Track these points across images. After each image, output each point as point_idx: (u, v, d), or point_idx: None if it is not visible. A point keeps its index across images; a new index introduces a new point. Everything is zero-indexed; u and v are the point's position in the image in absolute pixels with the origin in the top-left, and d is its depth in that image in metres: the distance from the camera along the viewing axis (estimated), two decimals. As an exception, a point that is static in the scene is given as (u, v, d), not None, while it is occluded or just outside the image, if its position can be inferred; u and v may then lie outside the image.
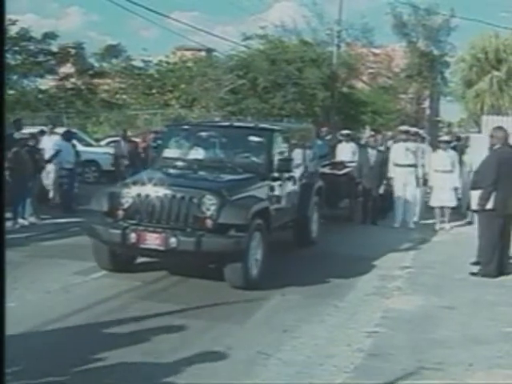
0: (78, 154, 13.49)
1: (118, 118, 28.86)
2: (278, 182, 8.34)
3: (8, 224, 9.56)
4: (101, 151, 18.37)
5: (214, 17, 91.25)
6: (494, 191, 7.87)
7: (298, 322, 6.10)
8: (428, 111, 42.47)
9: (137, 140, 17.52)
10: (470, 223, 11.69)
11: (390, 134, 20.24)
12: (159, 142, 10.65)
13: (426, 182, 12.24)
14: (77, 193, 13.01)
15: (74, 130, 17.67)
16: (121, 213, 7.10)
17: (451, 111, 72.16)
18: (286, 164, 8.33)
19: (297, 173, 9.16)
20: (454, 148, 13.09)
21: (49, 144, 12.51)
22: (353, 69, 31.45)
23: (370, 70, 36.76)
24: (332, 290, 7.34)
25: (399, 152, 12.24)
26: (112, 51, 33.57)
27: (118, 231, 6.93)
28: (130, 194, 7.13)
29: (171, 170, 8.29)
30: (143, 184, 7.16)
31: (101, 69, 33.00)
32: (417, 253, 9.81)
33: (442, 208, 11.93)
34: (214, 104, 27.32)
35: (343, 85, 30.53)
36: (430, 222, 12.20)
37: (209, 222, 6.83)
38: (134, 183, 7.29)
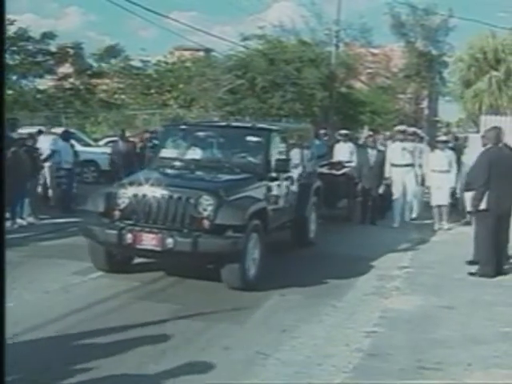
0: (76, 153, 13.47)
1: (117, 118, 28.86)
2: (276, 183, 8.32)
3: (6, 224, 9.52)
4: (99, 151, 18.36)
5: (212, 17, 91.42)
6: (487, 191, 7.87)
7: (297, 322, 6.09)
8: (426, 111, 42.54)
9: (134, 140, 17.49)
10: (468, 223, 11.68)
11: (388, 133, 20.25)
12: (155, 141, 10.63)
13: (423, 182, 12.25)
14: (75, 193, 13.00)
15: (73, 130, 17.69)
16: (117, 213, 7.07)
17: (450, 111, 72.14)
18: (284, 164, 8.31)
19: (295, 173, 9.14)
20: (452, 148, 13.09)
21: (45, 144, 12.50)
22: (351, 69, 31.47)
23: (369, 70, 36.80)
24: (330, 290, 7.33)
25: (396, 152, 12.26)
26: (111, 51, 33.53)
27: (114, 232, 6.89)
28: (126, 194, 7.10)
29: (168, 170, 8.26)
30: (140, 184, 7.12)
31: (99, 69, 32.96)
32: (415, 253, 9.81)
33: (439, 208, 11.94)
34: (213, 104, 27.31)
35: (342, 85, 30.54)
36: (429, 222, 12.21)
37: (206, 223, 6.79)
38: (131, 183, 7.24)
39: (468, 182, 8.34)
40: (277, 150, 8.53)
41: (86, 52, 32.01)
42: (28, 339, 5.24)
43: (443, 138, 13.37)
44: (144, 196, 7.02)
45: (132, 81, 32.83)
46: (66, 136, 13.29)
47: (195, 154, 8.66)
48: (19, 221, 10.58)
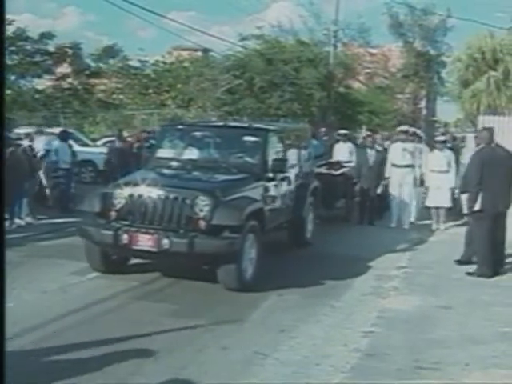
0: (74, 153, 13.45)
1: (115, 117, 28.80)
2: (273, 183, 8.29)
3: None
4: (97, 151, 18.32)
5: (210, 17, 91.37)
6: (481, 192, 7.85)
7: (295, 322, 6.09)
8: (424, 111, 42.59)
9: (131, 140, 17.46)
10: (467, 223, 11.67)
11: (386, 133, 20.24)
12: (152, 141, 10.60)
13: (422, 183, 12.24)
14: (73, 193, 12.98)
15: (71, 130, 17.63)
16: (113, 214, 7.04)
17: (448, 111, 72.35)
18: (281, 164, 8.29)
19: (292, 173, 9.12)
20: (451, 148, 13.08)
21: (40, 144, 12.49)
22: (349, 69, 31.52)
23: (367, 70, 36.84)
24: (328, 290, 7.33)
25: (397, 152, 12.24)
26: (109, 51, 33.48)
27: (110, 232, 6.87)
28: (122, 194, 7.06)
29: (164, 171, 8.23)
30: (136, 184, 7.09)
31: (97, 69, 32.91)
32: (413, 253, 9.81)
33: (438, 208, 11.94)
34: (211, 104, 27.28)
35: (340, 85, 30.56)
36: (427, 222, 12.21)
37: (202, 223, 6.77)
38: (127, 184, 7.21)
39: (464, 184, 8.33)
40: (274, 150, 8.51)
41: (84, 52, 31.96)
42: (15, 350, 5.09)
43: (442, 138, 13.34)
44: (140, 196, 6.98)
45: (130, 81, 32.75)
46: (64, 136, 13.28)
47: (192, 154, 8.63)
48: (17, 221, 10.57)
